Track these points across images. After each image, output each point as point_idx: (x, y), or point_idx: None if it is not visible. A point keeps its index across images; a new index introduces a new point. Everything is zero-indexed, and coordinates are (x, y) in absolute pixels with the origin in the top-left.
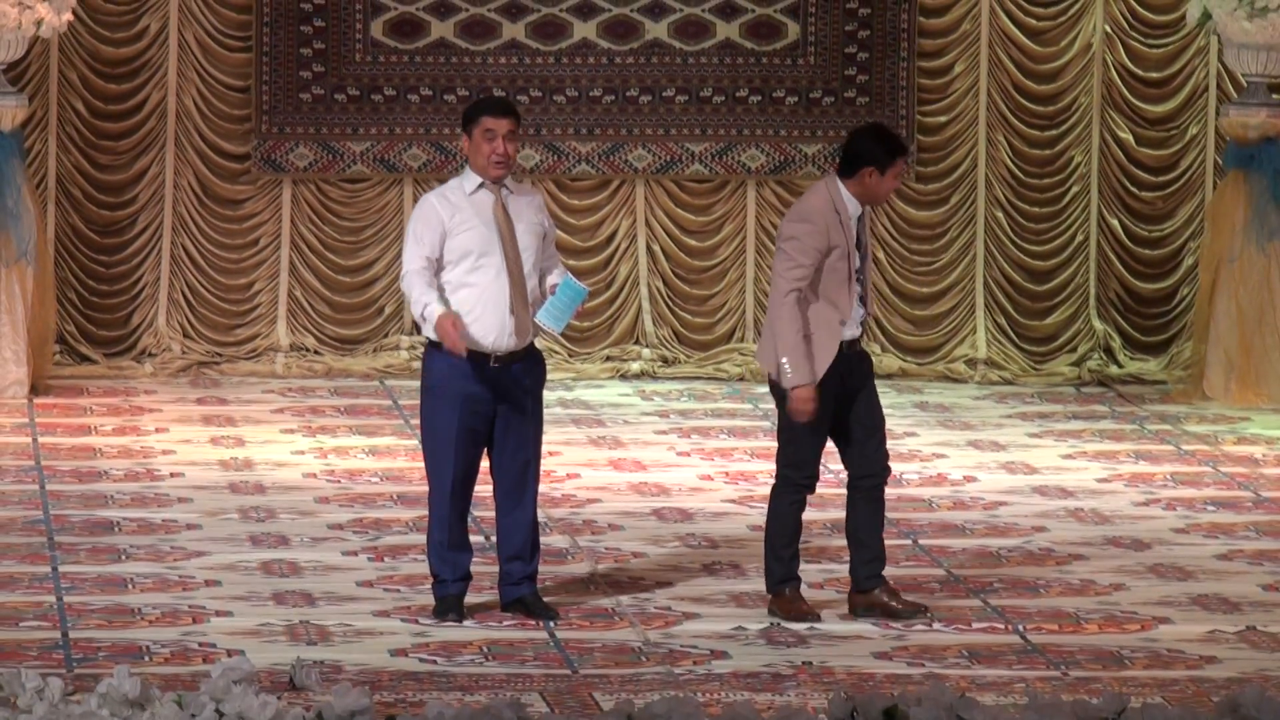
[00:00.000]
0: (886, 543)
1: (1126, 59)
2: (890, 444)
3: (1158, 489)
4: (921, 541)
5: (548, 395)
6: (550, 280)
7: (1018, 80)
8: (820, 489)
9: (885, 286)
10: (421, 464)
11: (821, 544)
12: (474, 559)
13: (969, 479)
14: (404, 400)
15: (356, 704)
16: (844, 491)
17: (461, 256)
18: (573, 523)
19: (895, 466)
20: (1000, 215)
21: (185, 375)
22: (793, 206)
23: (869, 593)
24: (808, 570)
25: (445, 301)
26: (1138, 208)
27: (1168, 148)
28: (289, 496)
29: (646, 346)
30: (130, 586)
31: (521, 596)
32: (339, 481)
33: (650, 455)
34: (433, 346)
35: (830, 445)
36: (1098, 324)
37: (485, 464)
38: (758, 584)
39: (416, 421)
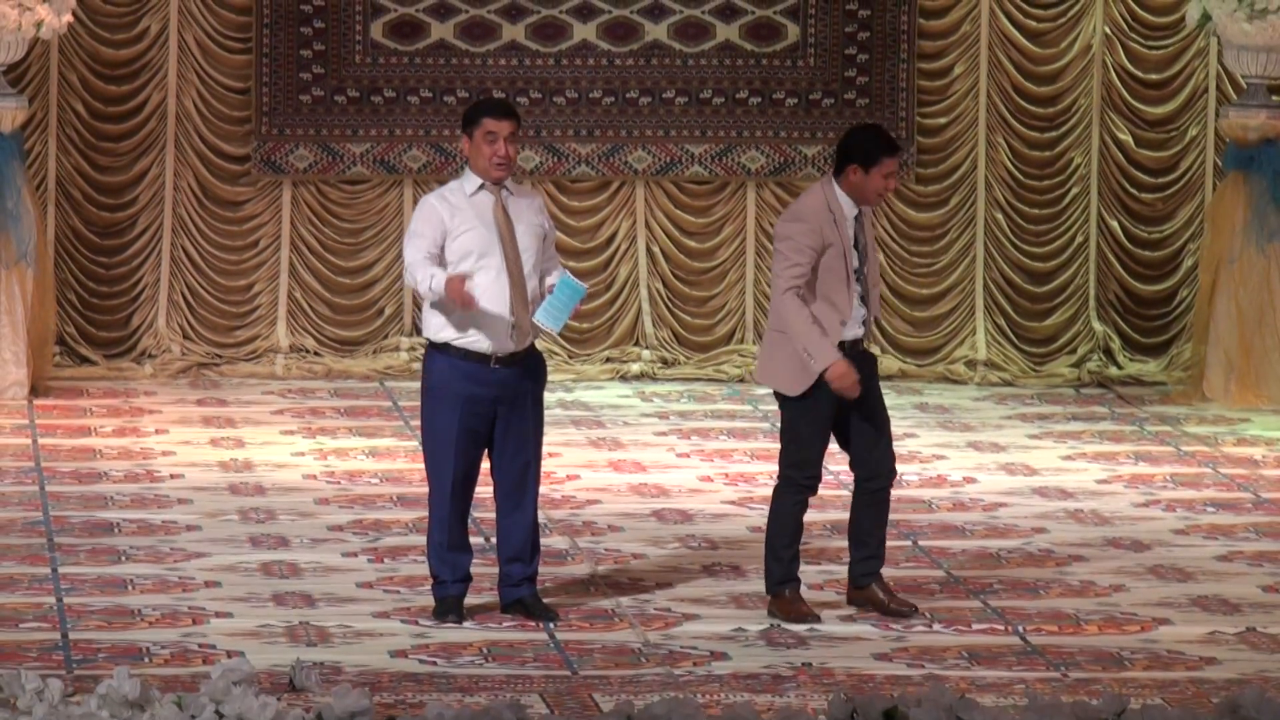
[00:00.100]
0: (886, 544)
1: (1126, 60)
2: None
3: (1157, 490)
4: (921, 543)
5: (547, 397)
6: (549, 281)
7: (1017, 82)
8: (820, 490)
9: (885, 288)
10: (421, 465)
11: (821, 545)
12: (474, 560)
13: (969, 480)
14: (404, 401)
15: (356, 705)
16: (843, 492)
17: (462, 258)
18: (572, 524)
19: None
20: (1000, 217)
21: (185, 376)
22: (788, 207)
23: (864, 589)
24: (807, 571)
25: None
26: (1137, 209)
27: (1167, 149)
28: (289, 498)
29: (646, 348)
30: (130, 588)
31: (521, 598)
32: (339, 483)
33: (650, 456)
34: (434, 348)
35: (834, 446)
36: (1097, 325)
37: (485, 465)
38: (758, 585)
39: (416, 423)
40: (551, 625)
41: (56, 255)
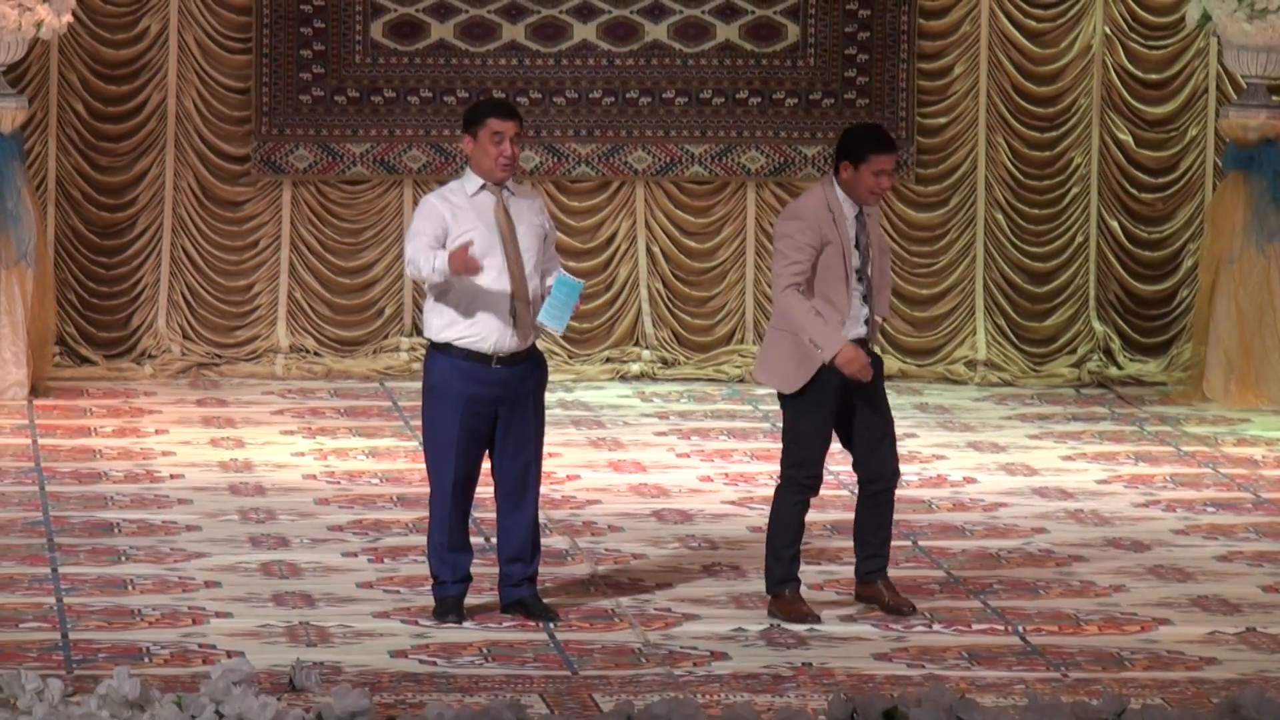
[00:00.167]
0: (891, 543)
1: (1126, 60)
2: None
3: (1157, 490)
4: (921, 543)
5: (547, 397)
6: (547, 282)
7: (1017, 82)
8: (821, 490)
9: None
10: (421, 465)
11: (821, 545)
12: (474, 560)
13: (969, 480)
14: (404, 402)
15: (356, 705)
16: (844, 493)
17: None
18: (573, 524)
19: None
20: (1000, 217)
21: (185, 377)
22: (787, 206)
23: (869, 585)
24: (807, 571)
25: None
26: (1137, 209)
27: (1167, 149)
28: (289, 498)
29: (646, 348)
30: (130, 588)
31: (521, 598)
32: (339, 483)
33: (650, 457)
34: (435, 348)
35: (837, 446)
36: (1097, 325)
37: (486, 465)
38: (758, 585)
39: (416, 423)
40: (551, 625)
41: (56, 255)
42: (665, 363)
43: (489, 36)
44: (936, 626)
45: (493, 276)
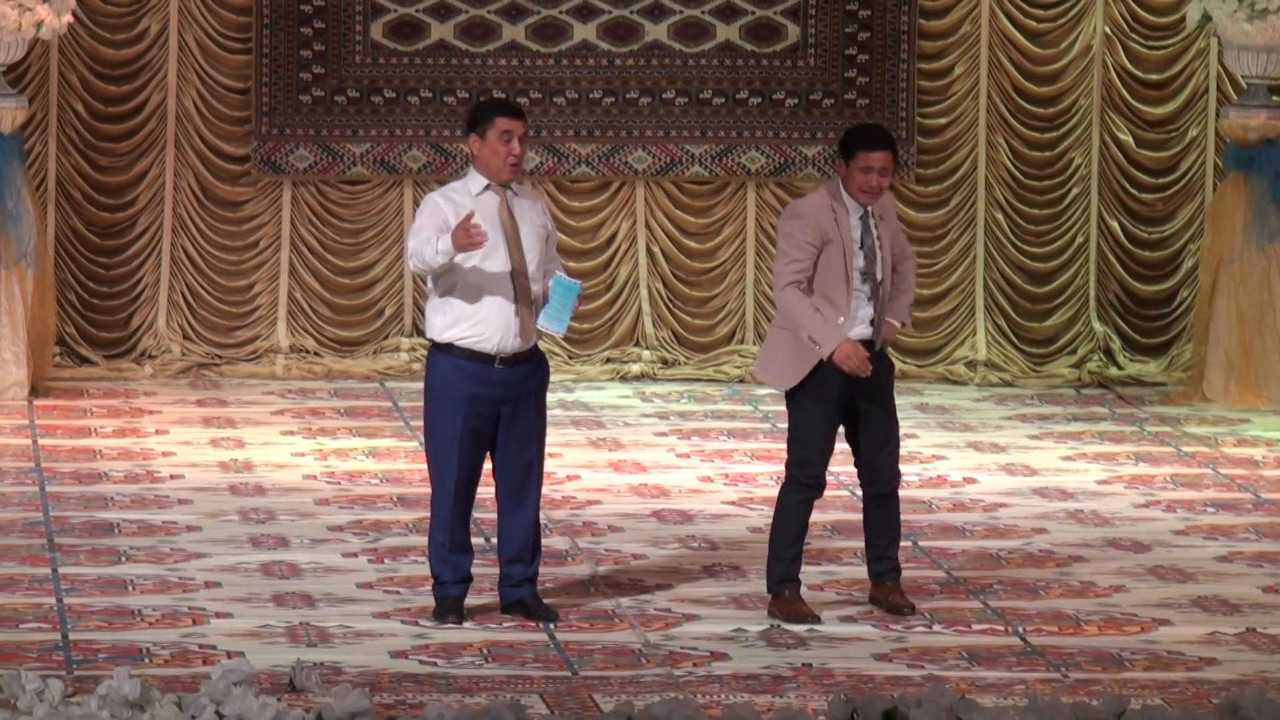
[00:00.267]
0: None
1: (1126, 61)
2: None
3: (1157, 491)
4: (921, 543)
5: (548, 397)
6: (547, 284)
7: (1018, 82)
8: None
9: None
10: (422, 466)
11: (821, 545)
12: (474, 561)
13: (969, 481)
14: (404, 402)
15: (356, 706)
16: (843, 493)
17: (466, 258)
18: (573, 524)
19: None
20: (1000, 217)
21: (185, 377)
22: (789, 204)
23: (879, 586)
24: (808, 572)
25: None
26: (1138, 209)
27: (1168, 150)
28: (289, 498)
29: (646, 348)
30: (130, 588)
31: (521, 598)
32: (339, 483)
33: (650, 457)
34: (437, 348)
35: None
36: (1098, 326)
37: (486, 466)
38: (758, 586)
39: (416, 423)
40: (552, 626)
41: (56, 255)
42: (665, 363)
43: (489, 37)
44: (936, 627)
45: (496, 276)
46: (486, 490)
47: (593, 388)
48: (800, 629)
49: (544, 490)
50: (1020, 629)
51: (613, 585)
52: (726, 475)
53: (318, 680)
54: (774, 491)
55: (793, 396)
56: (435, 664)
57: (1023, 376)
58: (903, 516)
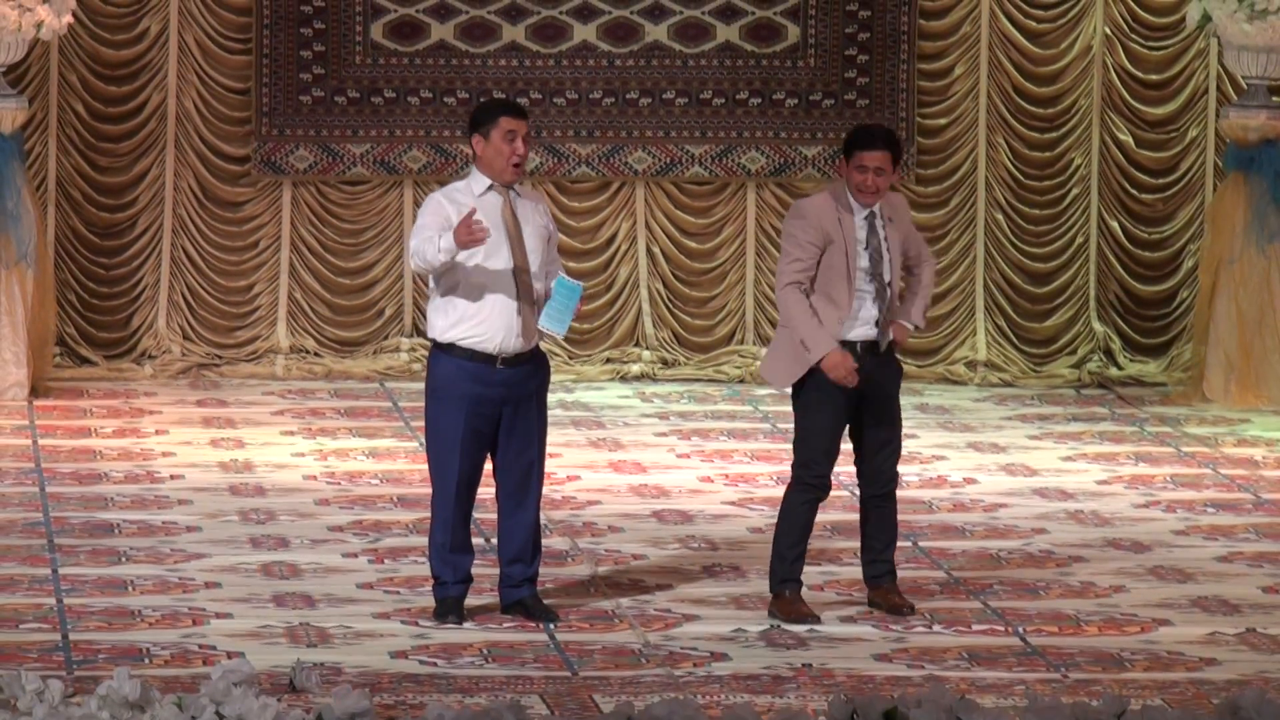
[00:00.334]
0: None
1: (1126, 61)
2: None
3: (1157, 491)
4: (921, 544)
5: (548, 397)
6: (550, 285)
7: (1018, 82)
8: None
9: None
10: (422, 466)
11: (821, 546)
12: (474, 561)
13: (969, 481)
14: (404, 402)
15: (357, 706)
16: (843, 494)
17: (469, 257)
18: (573, 525)
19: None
20: (1000, 217)
21: (185, 377)
22: (794, 204)
23: (876, 589)
24: (808, 572)
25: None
26: (1138, 210)
27: (1168, 150)
28: (289, 499)
29: (646, 349)
30: (130, 589)
31: (522, 599)
32: (339, 484)
33: (650, 457)
34: (439, 348)
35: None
36: (1098, 326)
37: (487, 467)
38: (758, 586)
39: (416, 424)
40: (552, 626)
41: (57, 256)
42: (665, 363)
43: (489, 37)
44: (936, 627)
45: (498, 276)
46: (486, 491)
47: (593, 388)
48: (800, 629)
49: (544, 490)
50: (1020, 629)
51: (613, 585)
52: (726, 475)
53: (318, 681)
54: (774, 492)
55: (797, 396)
56: (435, 664)
57: (1023, 377)
58: (903, 517)
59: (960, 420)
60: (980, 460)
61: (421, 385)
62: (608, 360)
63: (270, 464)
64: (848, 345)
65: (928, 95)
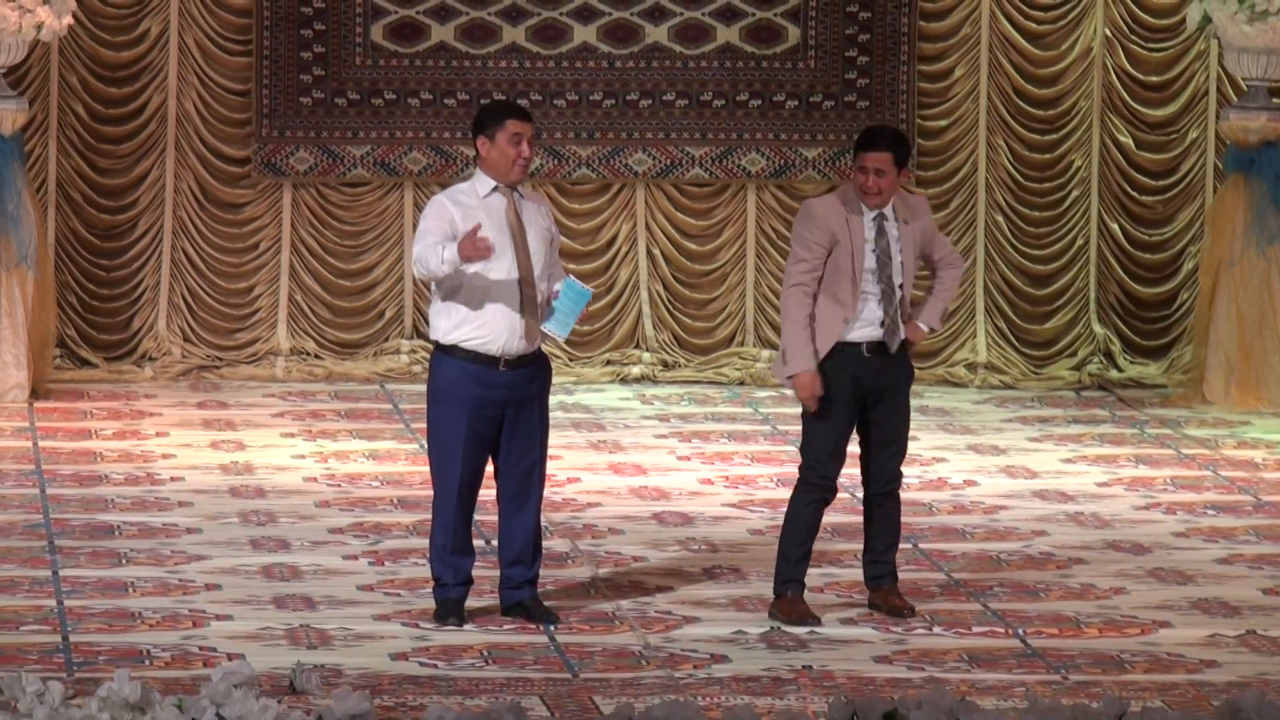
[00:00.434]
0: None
1: (1126, 63)
2: None
3: (1158, 493)
4: (922, 545)
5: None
6: (554, 288)
7: (1018, 84)
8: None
9: None
10: (422, 468)
11: (822, 548)
12: (475, 563)
13: (969, 483)
14: (404, 404)
15: (357, 708)
16: (844, 496)
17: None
18: (573, 527)
19: None
20: (1000, 219)
21: (186, 379)
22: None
23: (875, 590)
24: (808, 574)
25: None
26: (1138, 212)
27: (1168, 152)
28: (289, 500)
29: (647, 350)
30: (131, 590)
31: (522, 600)
32: (339, 485)
33: (650, 459)
34: (441, 350)
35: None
36: (1098, 328)
37: (488, 468)
38: (758, 588)
39: (417, 425)
40: (552, 628)
41: (57, 258)
42: (666, 365)
43: (489, 39)
44: (937, 629)
45: (502, 279)
46: (487, 492)
47: (593, 390)
48: (800, 631)
49: (544, 492)
50: (1020, 631)
51: (613, 587)
52: (727, 477)
53: (318, 682)
54: (774, 494)
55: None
56: (436, 666)
57: (1023, 379)
58: (903, 519)
59: (960, 422)
60: (980, 462)
61: (422, 387)
62: (608, 362)
63: (271, 466)
64: (851, 346)
65: (928, 97)
